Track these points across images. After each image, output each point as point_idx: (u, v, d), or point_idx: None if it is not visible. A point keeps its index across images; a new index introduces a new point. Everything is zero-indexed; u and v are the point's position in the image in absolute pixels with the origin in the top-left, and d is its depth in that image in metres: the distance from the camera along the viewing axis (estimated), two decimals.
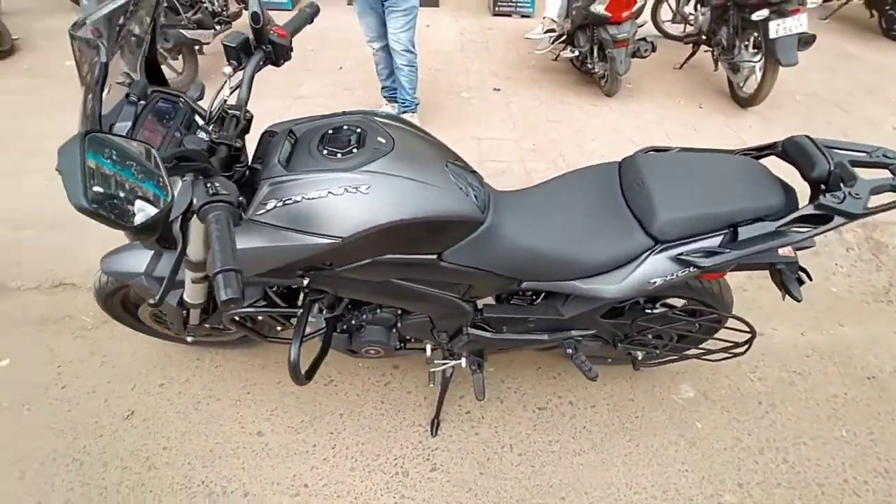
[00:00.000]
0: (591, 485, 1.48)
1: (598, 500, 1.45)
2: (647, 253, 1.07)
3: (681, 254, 1.05)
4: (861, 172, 1.03)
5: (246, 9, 3.94)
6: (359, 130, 1.01)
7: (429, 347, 1.48)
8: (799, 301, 1.18)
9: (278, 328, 1.49)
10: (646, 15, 4.35)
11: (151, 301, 0.92)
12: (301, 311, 1.23)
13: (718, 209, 1.05)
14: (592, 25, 3.22)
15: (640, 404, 1.70)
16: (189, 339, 1.52)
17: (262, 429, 1.57)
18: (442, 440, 1.57)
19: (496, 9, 5.00)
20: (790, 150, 1.09)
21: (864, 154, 1.11)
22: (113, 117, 0.89)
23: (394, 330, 1.41)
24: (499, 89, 3.59)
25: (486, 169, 2.68)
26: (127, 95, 0.90)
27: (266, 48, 1.03)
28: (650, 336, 1.46)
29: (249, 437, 1.55)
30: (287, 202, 0.92)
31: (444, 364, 1.49)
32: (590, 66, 3.44)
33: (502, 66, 3.94)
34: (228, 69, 1.01)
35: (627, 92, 3.61)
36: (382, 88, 3.12)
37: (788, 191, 1.12)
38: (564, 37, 3.63)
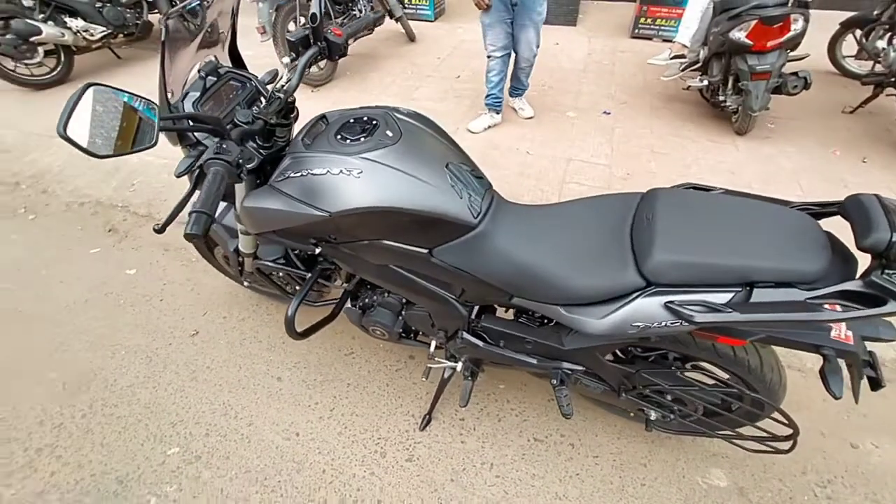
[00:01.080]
0: None
1: None
2: (637, 294, 0.97)
3: (672, 302, 0.92)
4: None
5: (391, 17, 4.41)
6: (374, 122, 1.11)
7: (433, 344, 1.52)
8: (836, 398, 0.94)
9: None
10: (819, 46, 3.73)
11: (156, 227, 0.97)
12: (310, 275, 1.38)
13: (731, 261, 0.90)
14: (730, 54, 2.88)
15: (653, 473, 1.50)
16: (245, 283, 1.80)
17: (282, 375, 1.78)
18: (427, 436, 1.59)
19: (636, 31, 4.75)
20: (851, 210, 0.89)
21: None
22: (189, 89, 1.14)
23: (400, 318, 1.48)
24: (609, 113, 3.42)
25: (566, 190, 2.59)
26: (198, 71, 1.13)
27: (321, 45, 1.19)
28: (664, 396, 1.29)
29: (271, 379, 1.77)
30: (298, 175, 1.07)
31: (442, 364, 1.52)
32: (721, 98, 3.06)
33: (622, 90, 3.73)
34: (287, 59, 1.20)
35: (765, 132, 3.14)
36: (487, 96, 3.21)
37: (846, 260, 0.91)
38: (699, 64, 3.31)
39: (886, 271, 0.80)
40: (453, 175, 1.09)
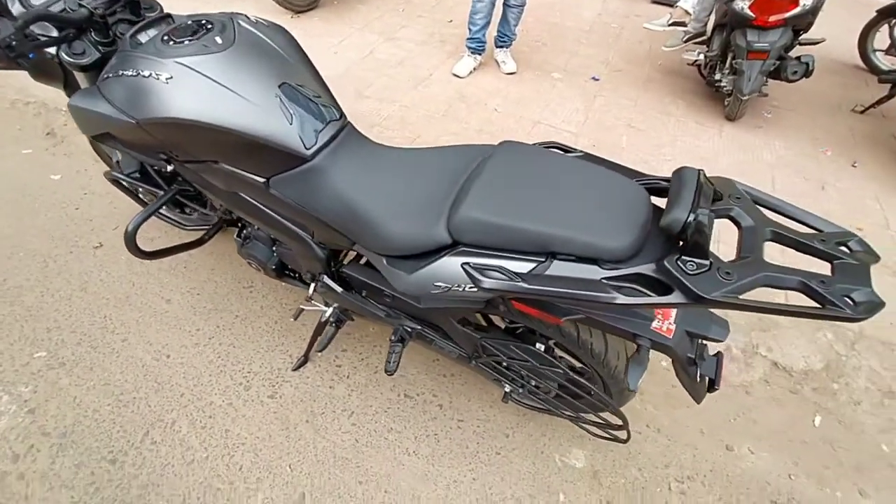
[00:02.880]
0: (395, 489, 1.35)
1: None
2: (446, 252, 0.87)
3: (469, 263, 0.83)
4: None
5: None
6: (209, 27, 1.00)
7: (313, 287, 1.46)
8: (629, 391, 0.87)
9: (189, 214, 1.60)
10: (851, 36, 3.39)
11: None
12: (163, 192, 1.31)
13: (534, 227, 0.80)
14: (731, 27, 2.60)
15: (513, 444, 1.47)
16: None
17: (172, 298, 1.76)
18: (297, 377, 1.57)
19: None
20: (672, 184, 0.77)
21: (812, 231, 0.74)
22: None
23: (274, 254, 1.42)
24: (597, 79, 3.18)
25: None
26: None
27: None
28: (518, 370, 1.23)
29: (160, 300, 1.75)
30: (114, 74, 0.97)
31: (315, 308, 1.46)
32: (717, 77, 2.80)
33: (620, 56, 3.45)
34: None
35: (758, 121, 2.90)
36: (470, 39, 3.01)
37: (668, 242, 0.80)
38: (704, 36, 3.02)
39: (683, 257, 0.70)
40: (287, 97, 0.98)
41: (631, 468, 1.45)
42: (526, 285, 0.77)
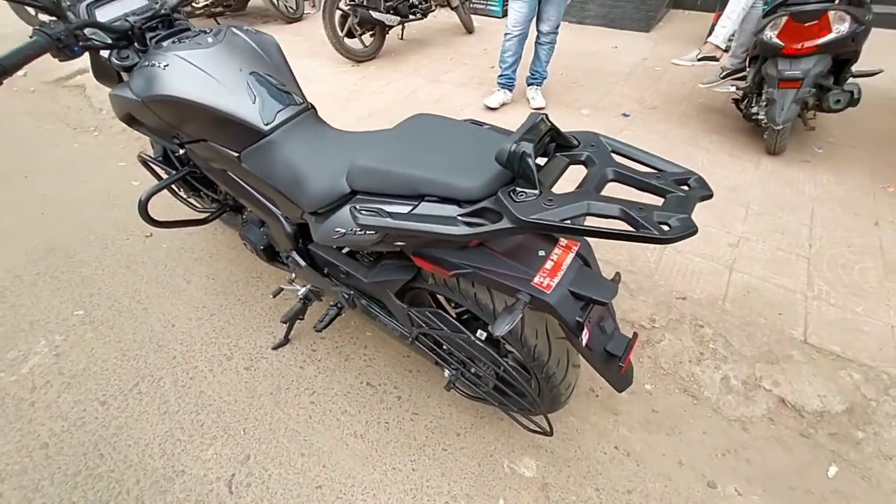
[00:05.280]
0: (334, 466, 1.37)
1: (326, 481, 1.33)
2: (346, 200, 0.97)
3: (355, 207, 0.91)
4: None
5: (449, 6, 4.57)
6: (207, 32, 1.25)
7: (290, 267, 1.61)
8: (494, 337, 0.86)
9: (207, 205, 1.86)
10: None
11: None
12: (176, 172, 1.57)
13: (405, 171, 0.86)
14: (763, 57, 2.52)
15: (462, 444, 1.43)
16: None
17: (192, 280, 2.01)
18: (274, 355, 1.69)
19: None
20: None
21: (653, 171, 0.73)
22: None
23: (264, 235, 1.60)
24: (628, 115, 3.18)
25: None
26: None
27: None
28: (449, 352, 1.24)
29: (181, 281, 2.01)
30: (137, 69, 1.25)
31: (290, 288, 1.60)
32: (754, 110, 2.69)
33: (658, 95, 3.44)
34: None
35: (806, 155, 2.69)
36: (500, 76, 3.21)
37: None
38: (743, 73, 2.94)
39: (515, 189, 0.73)
40: (254, 83, 1.19)
41: (587, 487, 1.33)
42: (391, 220, 0.84)
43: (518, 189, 0.74)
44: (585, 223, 0.75)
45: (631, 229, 0.66)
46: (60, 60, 1.24)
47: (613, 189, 0.77)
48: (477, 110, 3.32)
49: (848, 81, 2.45)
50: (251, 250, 1.67)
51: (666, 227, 0.64)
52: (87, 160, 2.94)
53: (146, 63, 1.22)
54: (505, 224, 0.72)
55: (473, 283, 1.00)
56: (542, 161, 0.87)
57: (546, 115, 0.82)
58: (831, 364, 1.57)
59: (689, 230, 0.63)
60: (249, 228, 1.62)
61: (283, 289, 1.64)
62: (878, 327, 1.68)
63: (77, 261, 2.11)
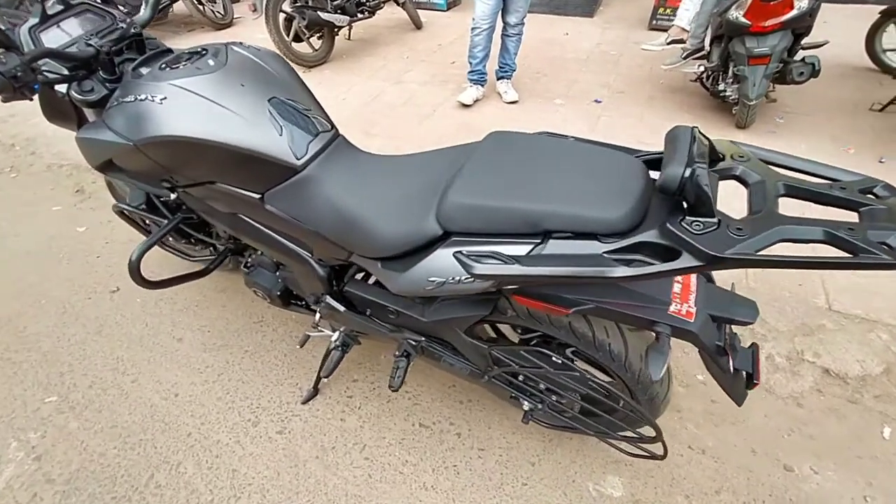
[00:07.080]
0: None
1: None
2: (438, 245, 0.83)
3: (461, 252, 0.78)
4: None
5: (396, 3, 4.37)
6: (204, 53, 1.04)
7: (318, 312, 1.43)
8: (653, 381, 0.77)
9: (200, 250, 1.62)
10: (857, 38, 3.37)
11: None
12: (167, 221, 1.32)
13: (523, 205, 0.75)
14: (728, 36, 2.61)
15: (540, 473, 1.34)
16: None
17: (183, 337, 1.74)
18: (307, 410, 1.49)
19: (654, 22, 4.46)
20: (665, 146, 0.72)
21: (823, 182, 0.67)
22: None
23: (279, 280, 1.40)
24: (600, 101, 3.21)
25: None
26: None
27: None
28: (535, 384, 1.14)
29: (171, 339, 1.73)
30: (115, 104, 1.01)
31: (321, 333, 1.42)
32: (721, 87, 2.79)
33: (622, 80, 3.50)
34: None
35: (772, 126, 2.83)
36: (471, 72, 3.11)
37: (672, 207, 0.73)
38: (703, 51, 3.03)
39: (688, 218, 0.64)
40: (276, 111, 1.00)
41: (676, 496, 1.29)
42: (521, 267, 0.71)
43: (690, 218, 0.64)
44: (774, 252, 0.66)
45: (846, 255, 0.59)
46: (4, 101, 0.98)
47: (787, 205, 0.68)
48: (450, 108, 3.20)
49: (799, 53, 2.61)
50: (262, 296, 1.46)
51: (886, 247, 0.57)
52: (11, 208, 2.49)
53: (129, 97, 0.98)
54: (690, 262, 0.63)
55: (586, 317, 0.90)
56: None
57: (697, 126, 0.73)
58: (859, 328, 1.65)
59: None
60: (259, 273, 1.41)
61: (309, 336, 1.45)
62: (887, 286, 1.78)
63: (31, 335, 1.76)
